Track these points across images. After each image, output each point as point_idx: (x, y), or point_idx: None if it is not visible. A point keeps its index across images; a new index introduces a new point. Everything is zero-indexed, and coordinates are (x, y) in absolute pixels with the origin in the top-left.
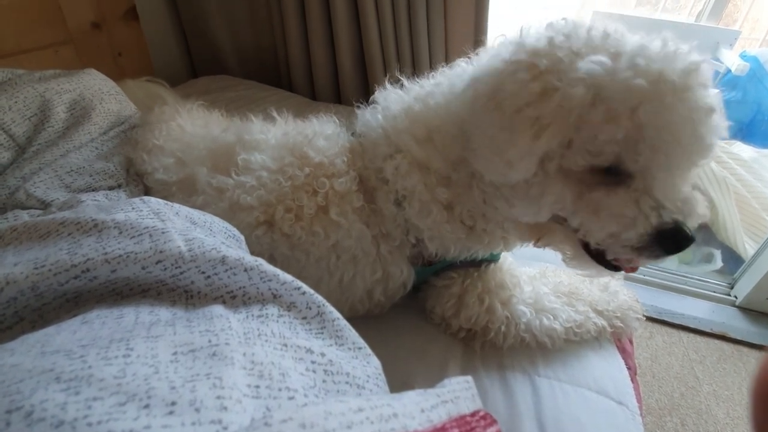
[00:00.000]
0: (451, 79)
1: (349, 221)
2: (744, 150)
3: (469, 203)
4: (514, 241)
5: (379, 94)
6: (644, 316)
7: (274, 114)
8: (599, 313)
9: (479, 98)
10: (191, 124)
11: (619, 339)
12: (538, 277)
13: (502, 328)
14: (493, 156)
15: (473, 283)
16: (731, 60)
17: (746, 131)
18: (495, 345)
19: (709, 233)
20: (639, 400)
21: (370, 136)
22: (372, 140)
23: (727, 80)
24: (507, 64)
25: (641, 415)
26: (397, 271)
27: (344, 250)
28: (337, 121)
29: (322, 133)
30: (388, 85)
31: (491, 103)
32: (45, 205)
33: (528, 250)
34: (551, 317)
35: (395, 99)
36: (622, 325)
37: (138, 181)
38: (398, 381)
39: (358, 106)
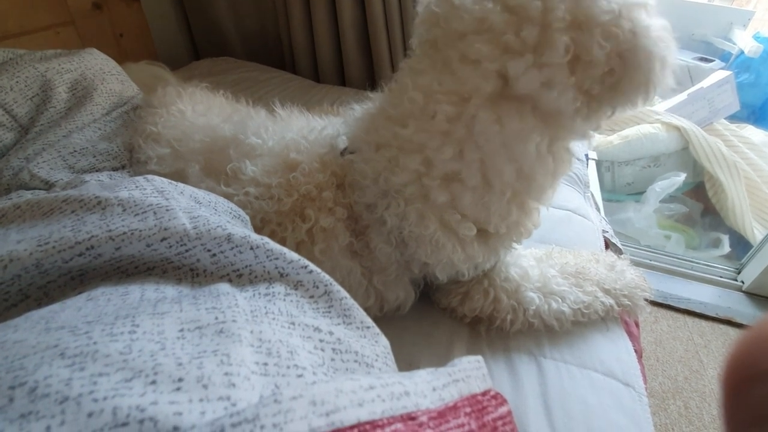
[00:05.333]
0: None
1: (334, 260)
2: (755, 134)
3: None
4: (538, 221)
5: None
6: (650, 299)
7: (277, 107)
8: (607, 291)
9: None
10: (192, 110)
11: (626, 322)
12: (544, 259)
13: (509, 317)
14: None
15: (479, 280)
16: (744, 41)
17: (758, 114)
18: (502, 329)
19: (717, 218)
20: (644, 382)
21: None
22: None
23: (740, 62)
24: None
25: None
26: (393, 296)
27: None
28: (341, 128)
29: (316, 153)
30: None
31: None
32: (49, 186)
33: (534, 232)
34: (559, 300)
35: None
36: (629, 303)
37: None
38: (404, 363)
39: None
